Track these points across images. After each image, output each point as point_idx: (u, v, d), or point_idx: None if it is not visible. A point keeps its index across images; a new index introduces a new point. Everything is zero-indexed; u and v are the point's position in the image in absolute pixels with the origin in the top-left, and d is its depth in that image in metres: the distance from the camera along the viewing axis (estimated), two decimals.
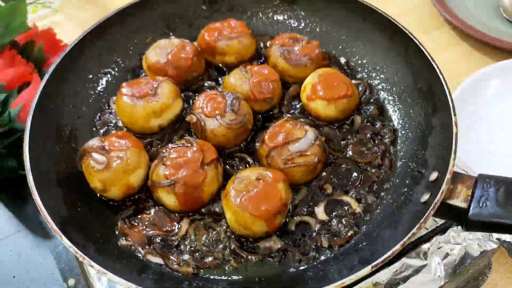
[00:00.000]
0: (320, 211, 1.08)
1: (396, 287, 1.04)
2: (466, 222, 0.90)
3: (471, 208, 0.90)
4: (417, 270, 1.06)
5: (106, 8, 2.03)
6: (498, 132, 1.51)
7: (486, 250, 1.09)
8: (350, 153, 1.17)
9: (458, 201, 0.92)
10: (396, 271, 1.05)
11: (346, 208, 1.09)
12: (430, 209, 0.91)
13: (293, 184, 1.10)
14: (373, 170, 1.15)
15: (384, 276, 1.04)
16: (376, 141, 1.20)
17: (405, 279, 1.05)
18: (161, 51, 1.30)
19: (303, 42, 1.33)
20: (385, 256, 0.87)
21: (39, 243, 1.28)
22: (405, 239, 0.88)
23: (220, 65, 1.37)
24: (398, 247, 0.88)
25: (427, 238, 1.10)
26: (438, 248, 1.08)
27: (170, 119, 1.21)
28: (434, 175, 1.00)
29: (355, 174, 1.14)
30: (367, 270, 0.86)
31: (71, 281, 1.18)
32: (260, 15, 1.51)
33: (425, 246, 1.08)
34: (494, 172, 1.38)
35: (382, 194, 1.11)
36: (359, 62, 1.38)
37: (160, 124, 1.20)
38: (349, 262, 0.97)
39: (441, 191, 0.92)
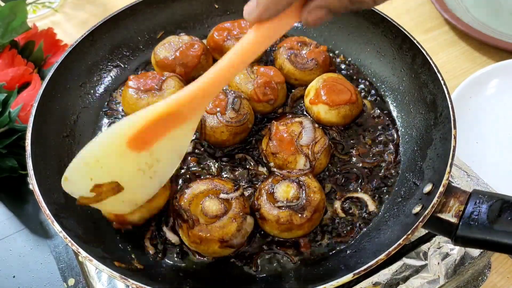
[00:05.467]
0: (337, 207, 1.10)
1: (396, 287, 1.04)
2: (455, 237, 0.90)
3: (460, 224, 0.89)
4: (417, 270, 1.06)
5: (106, 8, 2.04)
6: (498, 132, 1.51)
7: (486, 250, 1.09)
8: (354, 158, 1.17)
9: (449, 216, 0.92)
10: (396, 271, 1.05)
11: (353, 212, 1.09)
12: (419, 221, 0.90)
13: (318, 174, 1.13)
14: (377, 175, 1.15)
15: (384, 276, 1.04)
16: (380, 147, 1.20)
17: (405, 279, 1.05)
18: (169, 47, 1.31)
19: (311, 46, 1.32)
20: (368, 265, 0.87)
21: (39, 243, 1.28)
22: (390, 249, 0.88)
23: None
24: (382, 256, 0.88)
25: (427, 238, 1.10)
26: (438, 248, 1.08)
27: None
28: (428, 187, 1.00)
29: (361, 178, 1.14)
30: (348, 277, 0.86)
31: (71, 281, 1.18)
32: None
33: (425, 246, 1.08)
34: (493, 172, 1.40)
35: (382, 202, 1.11)
36: (366, 68, 1.38)
37: None
38: (335, 267, 0.98)
39: (432, 204, 0.92)
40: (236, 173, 1.15)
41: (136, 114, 0.85)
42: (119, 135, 0.83)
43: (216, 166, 1.16)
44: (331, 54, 1.40)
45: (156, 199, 1.03)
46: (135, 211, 1.01)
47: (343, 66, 1.39)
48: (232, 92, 1.18)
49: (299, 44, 1.33)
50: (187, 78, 1.30)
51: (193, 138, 1.20)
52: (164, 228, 1.06)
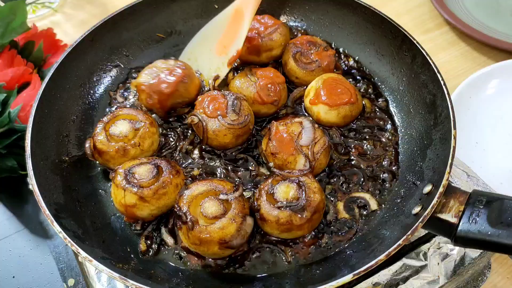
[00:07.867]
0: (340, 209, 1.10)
1: None
2: (454, 237, 0.90)
3: (460, 224, 0.89)
4: (417, 271, 1.06)
5: (106, 8, 2.04)
6: (498, 132, 1.51)
7: (486, 251, 1.09)
8: (354, 158, 1.18)
9: (449, 216, 0.92)
10: (396, 271, 1.05)
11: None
12: (418, 221, 0.91)
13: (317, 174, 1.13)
14: (377, 176, 1.15)
15: (384, 276, 1.04)
16: (379, 147, 1.20)
17: (405, 280, 1.05)
18: (151, 72, 1.23)
19: (319, 48, 1.32)
20: (368, 265, 0.87)
21: (39, 243, 1.28)
22: (390, 250, 0.88)
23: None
24: (382, 257, 0.88)
25: (427, 238, 1.10)
26: (438, 248, 1.08)
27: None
28: (428, 188, 1.00)
29: (361, 178, 1.14)
30: (348, 277, 0.86)
31: (71, 281, 1.18)
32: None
33: (425, 247, 1.08)
34: (493, 172, 1.40)
35: (381, 202, 1.11)
36: (365, 68, 1.38)
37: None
38: (334, 268, 0.98)
39: (431, 204, 0.92)
40: (239, 173, 1.15)
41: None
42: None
43: (219, 168, 1.16)
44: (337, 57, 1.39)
45: (166, 196, 1.03)
46: (144, 207, 1.02)
47: (343, 66, 1.39)
48: (231, 94, 1.17)
49: (309, 44, 1.33)
50: (163, 105, 1.21)
51: (195, 141, 1.21)
52: (163, 229, 1.06)
